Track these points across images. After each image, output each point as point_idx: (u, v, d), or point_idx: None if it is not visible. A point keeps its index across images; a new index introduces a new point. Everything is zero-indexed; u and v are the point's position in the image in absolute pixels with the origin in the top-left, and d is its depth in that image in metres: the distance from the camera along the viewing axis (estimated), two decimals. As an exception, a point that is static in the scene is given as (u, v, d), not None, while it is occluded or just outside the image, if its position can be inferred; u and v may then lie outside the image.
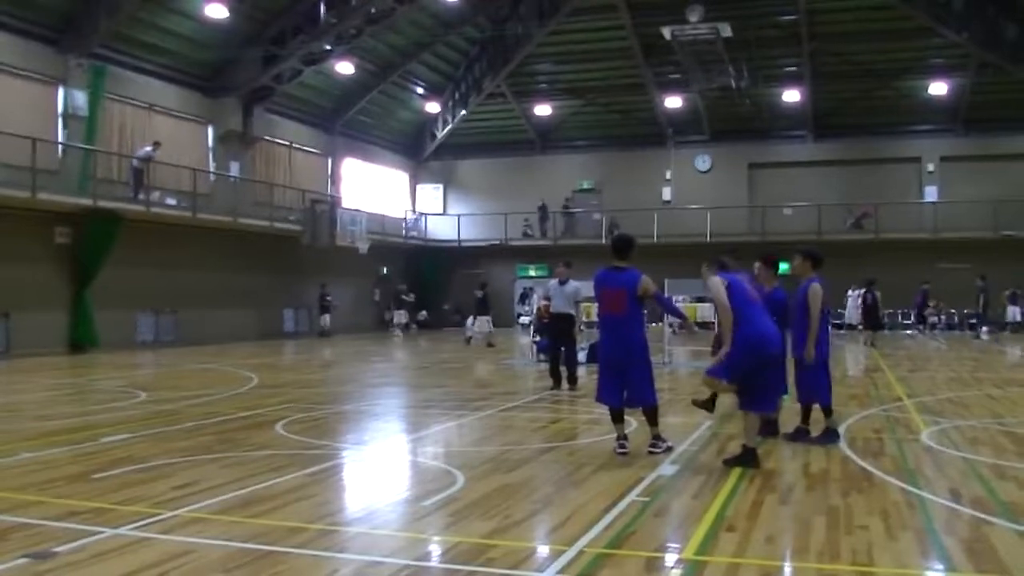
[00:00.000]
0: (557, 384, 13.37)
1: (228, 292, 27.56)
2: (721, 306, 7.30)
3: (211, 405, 11.77)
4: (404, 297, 31.85)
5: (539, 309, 17.55)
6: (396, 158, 38.89)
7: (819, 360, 8.44)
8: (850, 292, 28.81)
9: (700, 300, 23.07)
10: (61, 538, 5.24)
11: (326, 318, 31.01)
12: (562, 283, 13.50)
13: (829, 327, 8.62)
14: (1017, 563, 4.78)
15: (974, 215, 31.95)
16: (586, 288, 12.43)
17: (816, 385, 8.52)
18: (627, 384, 7.84)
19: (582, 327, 15.03)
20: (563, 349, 13.55)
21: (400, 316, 31.47)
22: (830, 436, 8.50)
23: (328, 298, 31.15)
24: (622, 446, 7.84)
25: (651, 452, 7.87)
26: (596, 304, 8.08)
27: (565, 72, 36.07)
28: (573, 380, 13.39)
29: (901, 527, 5.51)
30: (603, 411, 10.36)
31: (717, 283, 7.35)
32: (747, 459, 7.23)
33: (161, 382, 15.36)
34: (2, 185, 20.60)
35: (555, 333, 13.83)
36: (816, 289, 8.29)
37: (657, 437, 8.00)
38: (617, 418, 7.97)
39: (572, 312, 13.46)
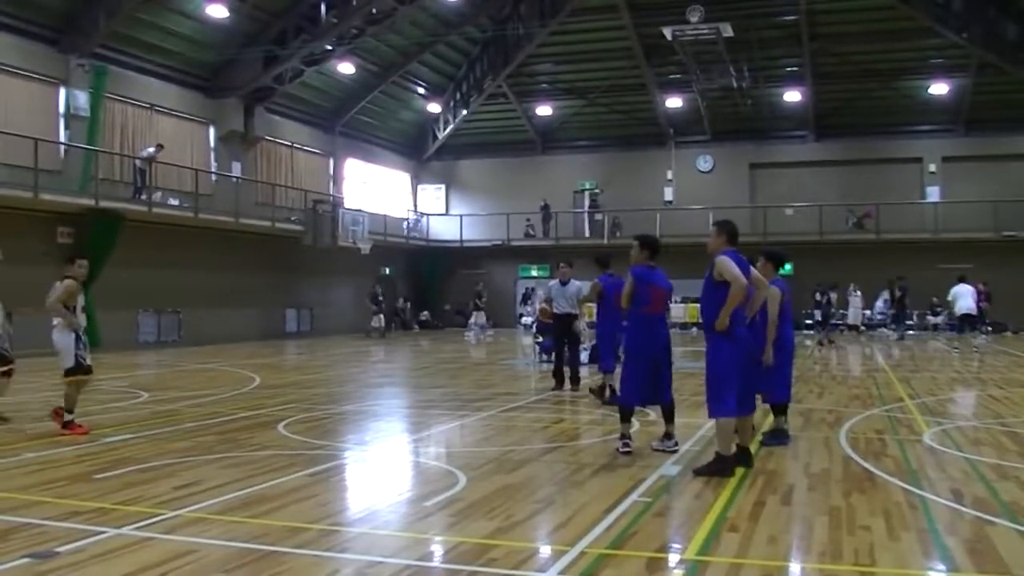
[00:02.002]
0: (560, 385, 13.36)
1: (230, 292, 27.57)
2: (735, 279, 6.87)
3: (213, 405, 11.78)
4: (478, 300, 32.03)
5: (542, 309, 17.54)
6: (398, 158, 38.92)
7: (783, 359, 8.45)
8: (850, 293, 28.83)
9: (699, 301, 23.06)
10: (63, 538, 5.24)
11: (380, 318, 30.87)
12: (564, 283, 13.48)
13: (791, 327, 8.65)
14: (1019, 563, 4.77)
15: (976, 215, 31.93)
16: (588, 288, 12.45)
17: (775, 383, 8.50)
18: (658, 382, 7.92)
19: (584, 327, 15.03)
20: (566, 349, 13.54)
21: (480, 317, 31.62)
22: (779, 437, 8.49)
23: (381, 298, 31.09)
24: (627, 445, 7.85)
25: (661, 450, 7.90)
26: (640, 299, 7.83)
27: (566, 72, 36.08)
28: (576, 380, 13.38)
29: (903, 527, 5.51)
30: (604, 411, 10.34)
31: (728, 261, 6.99)
32: (719, 467, 6.95)
33: (163, 382, 15.37)
34: (4, 185, 20.63)
35: (558, 333, 13.82)
36: (774, 292, 8.21)
37: (671, 435, 8.04)
38: (628, 417, 7.97)
39: (575, 312, 13.45)
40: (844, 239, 33.25)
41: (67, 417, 9.18)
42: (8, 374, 9.94)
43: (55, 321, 9.22)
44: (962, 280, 23.51)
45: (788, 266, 9.04)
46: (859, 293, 28.76)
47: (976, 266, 29.36)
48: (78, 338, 9.24)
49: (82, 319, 9.38)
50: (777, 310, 8.13)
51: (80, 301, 9.38)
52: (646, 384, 7.87)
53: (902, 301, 28.32)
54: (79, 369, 9.22)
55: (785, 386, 8.64)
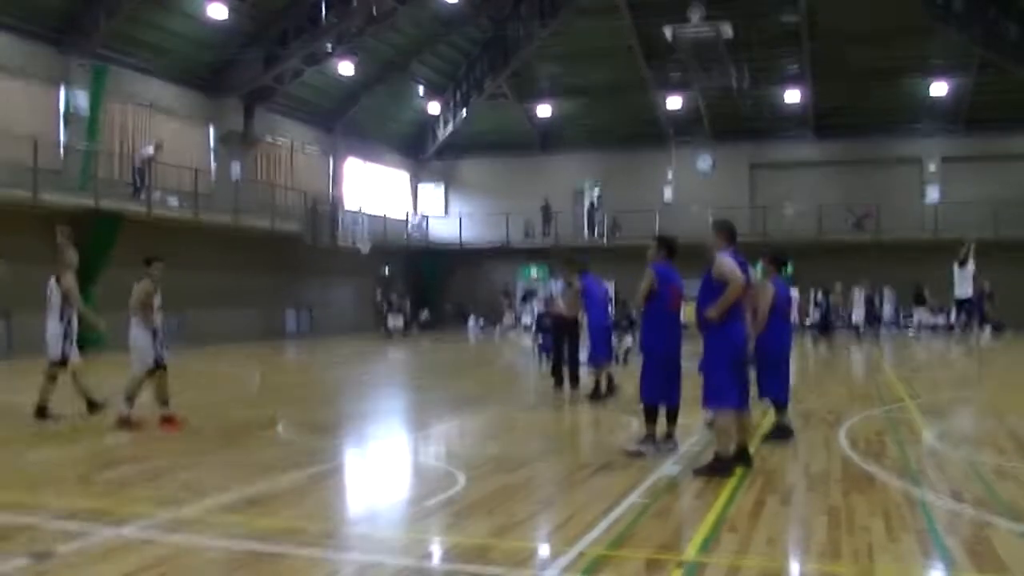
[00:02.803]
0: (559, 384, 13.35)
1: (230, 292, 27.52)
2: (733, 278, 6.94)
3: (213, 405, 11.77)
4: (507, 300, 32.24)
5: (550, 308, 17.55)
6: (397, 158, 38.88)
7: (780, 357, 8.51)
8: (855, 293, 28.85)
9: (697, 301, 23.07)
10: (63, 538, 5.24)
11: (398, 318, 30.77)
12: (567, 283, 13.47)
13: (788, 326, 8.71)
14: (1018, 563, 4.78)
15: (976, 216, 31.88)
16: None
17: (774, 381, 8.59)
18: (674, 382, 7.95)
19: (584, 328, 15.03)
20: (567, 349, 13.53)
21: (509, 317, 31.92)
22: (782, 433, 8.54)
23: (392, 299, 31.08)
24: (657, 446, 7.87)
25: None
26: (661, 296, 7.93)
27: (566, 72, 36.03)
28: (575, 380, 13.36)
29: (902, 528, 5.51)
30: (603, 411, 10.35)
31: (728, 260, 7.05)
32: (719, 467, 6.94)
33: (163, 382, 15.33)
34: (4, 185, 20.61)
35: (558, 333, 13.81)
36: (768, 289, 8.33)
37: (671, 435, 8.06)
38: (653, 417, 7.95)
39: (576, 312, 13.43)
40: (844, 239, 33.24)
41: (163, 412, 9.48)
42: (53, 377, 10.39)
43: (134, 320, 9.85)
44: (962, 264, 22.78)
45: (789, 268, 9.11)
46: (863, 294, 28.75)
47: (976, 266, 29.35)
48: (155, 335, 9.79)
49: (158, 317, 9.96)
50: (767, 307, 8.20)
51: (157, 300, 9.99)
52: (663, 383, 7.89)
53: (871, 302, 28.52)
54: (157, 365, 9.70)
55: (783, 386, 8.68)
